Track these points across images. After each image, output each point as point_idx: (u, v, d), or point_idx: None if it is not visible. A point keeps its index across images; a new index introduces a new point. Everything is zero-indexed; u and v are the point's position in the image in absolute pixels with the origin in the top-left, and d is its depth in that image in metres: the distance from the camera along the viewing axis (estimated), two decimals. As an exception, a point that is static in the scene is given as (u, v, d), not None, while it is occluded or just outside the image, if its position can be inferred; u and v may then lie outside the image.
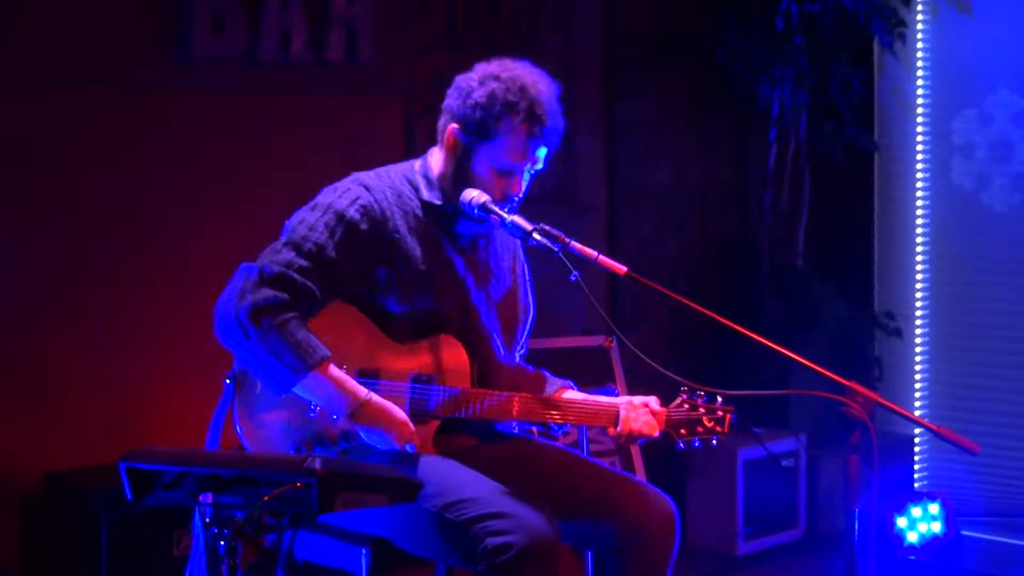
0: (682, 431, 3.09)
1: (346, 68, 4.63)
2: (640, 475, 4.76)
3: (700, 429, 3.10)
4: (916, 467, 5.66)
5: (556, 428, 3.18)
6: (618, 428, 3.04)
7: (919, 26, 5.65)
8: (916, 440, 5.63)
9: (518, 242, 3.21)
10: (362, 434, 2.91)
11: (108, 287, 4.24)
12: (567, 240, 2.94)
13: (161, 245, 4.33)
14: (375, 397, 2.90)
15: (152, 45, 4.28)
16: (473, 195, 3.01)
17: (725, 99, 5.63)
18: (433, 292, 3.02)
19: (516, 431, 3.25)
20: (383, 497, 2.68)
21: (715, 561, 5.10)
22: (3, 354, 4.07)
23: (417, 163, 3.12)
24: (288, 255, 2.90)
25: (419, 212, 3.05)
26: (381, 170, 3.10)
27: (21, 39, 4.05)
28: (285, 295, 2.86)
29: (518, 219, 2.98)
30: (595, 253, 2.95)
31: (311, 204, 3.01)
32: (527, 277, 3.29)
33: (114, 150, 4.24)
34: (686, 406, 3.11)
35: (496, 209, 2.99)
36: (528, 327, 3.28)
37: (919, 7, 5.63)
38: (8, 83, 4.03)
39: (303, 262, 2.90)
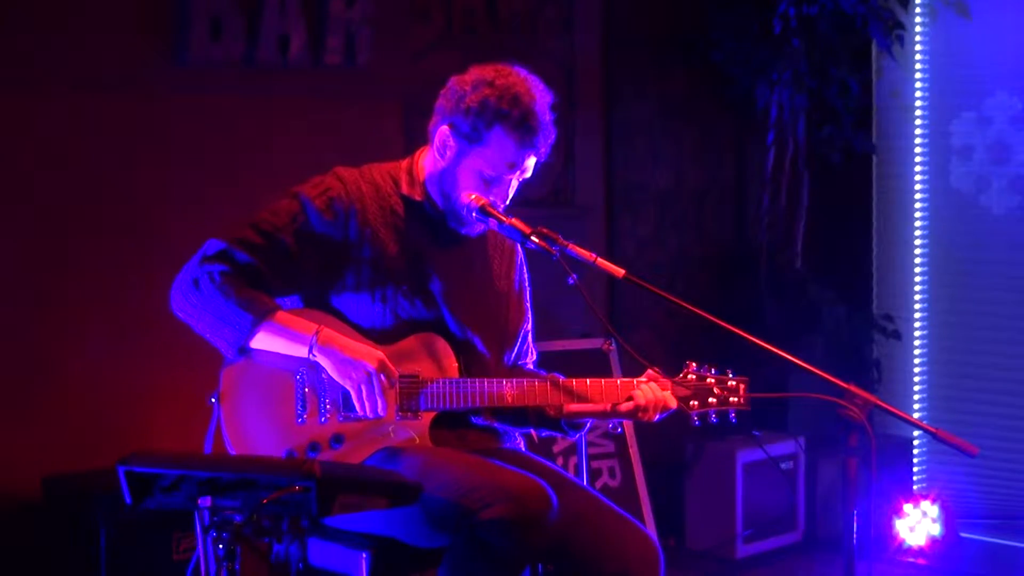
0: (693, 403, 3.03)
1: (344, 71, 4.63)
2: (640, 478, 4.76)
3: (712, 400, 3.03)
4: (915, 469, 5.65)
5: (572, 433, 3.14)
6: (631, 404, 3.00)
7: (917, 28, 5.65)
8: (915, 442, 5.63)
9: (518, 246, 3.20)
10: (327, 366, 2.89)
11: (107, 289, 4.23)
12: (565, 243, 2.94)
13: (160, 248, 4.32)
14: (325, 328, 2.92)
15: (151, 48, 4.28)
16: (472, 198, 3.01)
17: (723, 102, 5.64)
18: (407, 286, 3.01)
19: (523, 448, 3.23)
20: (382, 500, 2.68)
21: (714, 564, 5.09)
22: (1, 357, 4.07)
23: (404, 161, 3.13)
24: (242, 232, 2.95)
25: (398, 207, 3.05)
26: (365, 167, 3.11)
27: (21, 41, 4.05)
28: (227, 267, 2.90)
29: (516, 222, 2.98)
30: (593, 256, 2.95)
31: (285, 191, 3.04)
32: (526, 282, 3.27)
33: (113, 152, 4.24)
34: (693, 376, 3.05)
35: (495, 212, 2.99)
36: (526, 332, 3.25)
37: (917, 10, 5.63)
38: (9, 84, 4.03)
39: (254, 239, 2.94)
